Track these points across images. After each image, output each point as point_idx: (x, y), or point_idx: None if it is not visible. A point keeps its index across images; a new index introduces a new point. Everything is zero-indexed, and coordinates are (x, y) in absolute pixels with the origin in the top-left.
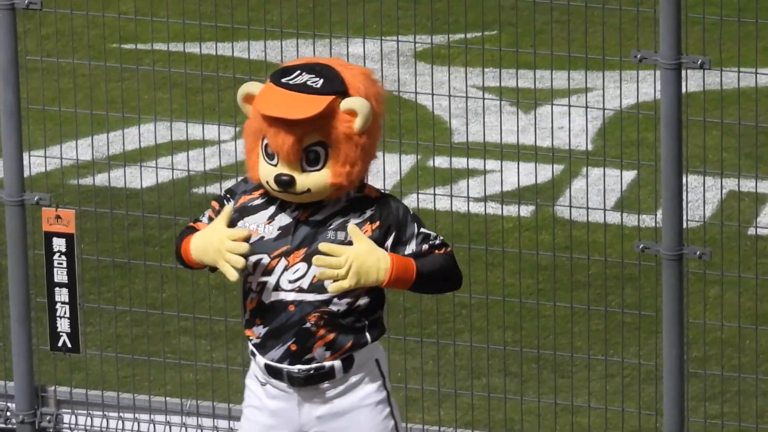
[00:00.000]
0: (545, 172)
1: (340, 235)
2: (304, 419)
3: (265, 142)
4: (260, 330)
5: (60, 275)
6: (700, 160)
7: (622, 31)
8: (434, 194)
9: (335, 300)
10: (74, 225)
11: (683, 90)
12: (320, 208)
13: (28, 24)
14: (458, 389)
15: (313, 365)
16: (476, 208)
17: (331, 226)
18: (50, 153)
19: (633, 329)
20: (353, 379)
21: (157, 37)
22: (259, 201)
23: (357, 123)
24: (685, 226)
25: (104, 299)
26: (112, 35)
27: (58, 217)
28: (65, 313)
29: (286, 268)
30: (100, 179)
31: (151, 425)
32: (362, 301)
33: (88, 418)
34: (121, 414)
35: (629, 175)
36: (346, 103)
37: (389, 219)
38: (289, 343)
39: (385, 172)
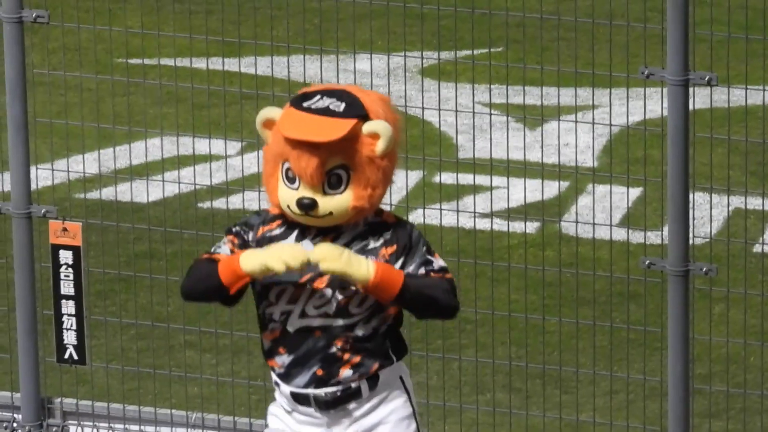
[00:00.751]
0: (551, 189)
1: None
2: None
3: (286, 166)
4: (284, 359)
5: (66, 287)
6: (706, 177)
7: (628, 48)
8: (440, 210)
9: (360, 324)
10: (81, 237)
11: (690, 107)
12: (340, 234)
13: (35, 38)
14: (463, 404)
15: (340, 387)
16: (482, 224)
17: (353, 251)
18: (57, 166)
19: (638, 345)
20: (379, 396)
21: (164, 52)
22: (278, 231)
23: (380, 146)
24: (691, 242)
25: (109, 312)
26: (119, 50)
27: (64, 229)
28: (72, 325)
29: (311, 295)
30: (107, 193)
31: None
32: (386, 325)
33: (94, 430)
34: (126, 426)
35: (635, 192)
36: (368, 126)
37: (402, 243)
38: (315, 369)
39: (391, 187)
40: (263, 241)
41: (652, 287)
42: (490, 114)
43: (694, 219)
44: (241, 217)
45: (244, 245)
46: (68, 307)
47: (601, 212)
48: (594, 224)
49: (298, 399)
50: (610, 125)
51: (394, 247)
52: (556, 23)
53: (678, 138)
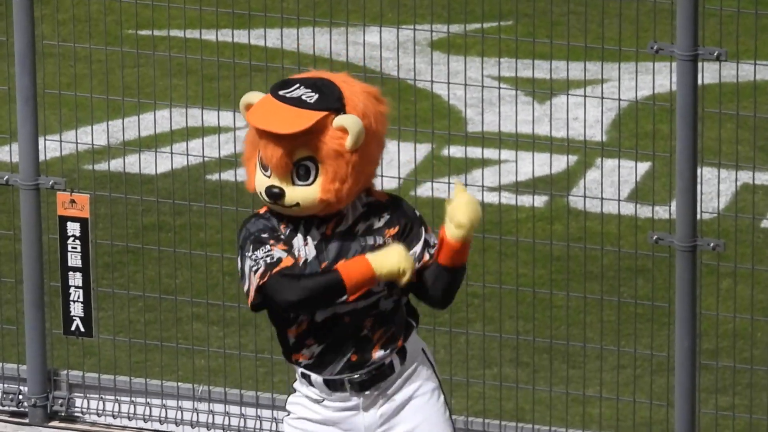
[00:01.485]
0: (559, 163)
1: (369, 240)
2: (368, 421)
3: (260, 154)
4: (314, 350)
5: (74, 259)
6: (714, 152)
7: (638, 23)
8: (449, 183)
9: (382, 300)
10: (89, 209)
11: (699, 82)
12: (342, 219)
13: (45, 9)
14: (470, 378)
15: (374, 366)
16: (490, 197)
17: (359, 233)
18: (65, 138)
19: (645, 320)
20: (408, 370)
21: (174, 23)
22: (287, 229)
23: (348, 141)
24: (699, 217)
25: (117, 284)
26: (129, 21)
27: (72, 201)
28: (79, 297)
29: None
30: (115, 165)
31: (163, 410)
32: (404, 296)
33: (100, 402)
34: (133, 398)
35: (643, 167)
36: (338, 120)
37: (402, 224)
38: (349, 354)
39: (400, 161)
40: (288, 239)
41: (659, 262)
42: (499, 87)
43: (702, 194)
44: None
45: (289, 245)
46: (75, 279)
47: (610, 187)
48: (602, 199)
49: (332, 386)
50: (619, 100)
51: (396, 228)
52: None
53: (687, 113)
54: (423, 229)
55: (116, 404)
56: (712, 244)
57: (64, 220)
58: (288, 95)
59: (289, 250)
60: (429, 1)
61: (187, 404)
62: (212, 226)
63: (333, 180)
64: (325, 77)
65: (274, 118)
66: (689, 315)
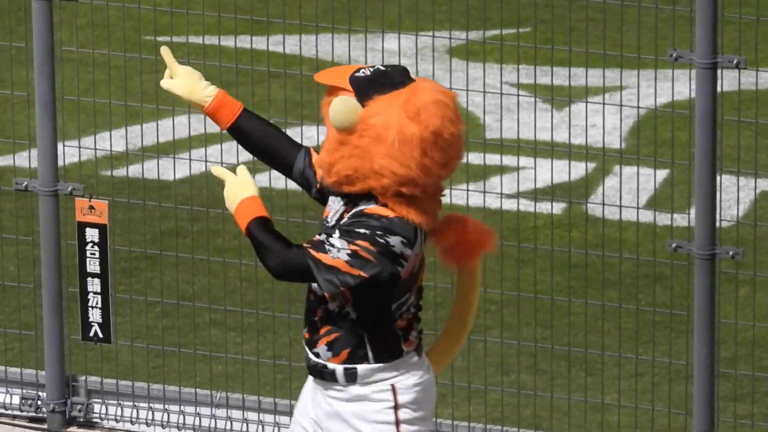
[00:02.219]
0: (578, 170)
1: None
2: (315, 410)
3: None
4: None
5: (92, 265)
6: (733, 160)
7: (657, 30)
8: (467, 190)
9: (330, 300)
10: (107, 215)
11: (718, 89)
12: (342, 196)
13: (64, 14)
14: (488, 385)
15: (320, 361)
16: (508, 204)
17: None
18: (84, 144)
19: (663, 328)
20: (359, 391)
21: (192, 29)
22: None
23: (329, 115)
24: (717, 225)
25: (135, 290)
26: (147, 27)
27: (91, 207)
28: (97, 303)
29: None
30: (133, 170)
31: (181, 416)
32: (349, 310)
33: (119, 408)
34: (151, 404)
35: (662, 174)
36: (330, 98)
37: (351, 214)
38: (305, 329)
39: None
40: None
41: (678, 270)
42: (518, 94)
43: (720, 202)
44: (267, 195)
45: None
46: (94, 284)
47: (628, 194)
48: (620, 206)
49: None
50: (638, 107)
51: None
52: (584, 3)
53: (705, 120)
54: (337, 231)
55: (134, 410)
56: (730, 252)
57: (82, 226)
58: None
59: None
60: (447, 7)
61: (205, 410)
62: (230, 232)
63: (323, 147)
64: (420, 81)
65: (330, 72)
66: (708, 323)
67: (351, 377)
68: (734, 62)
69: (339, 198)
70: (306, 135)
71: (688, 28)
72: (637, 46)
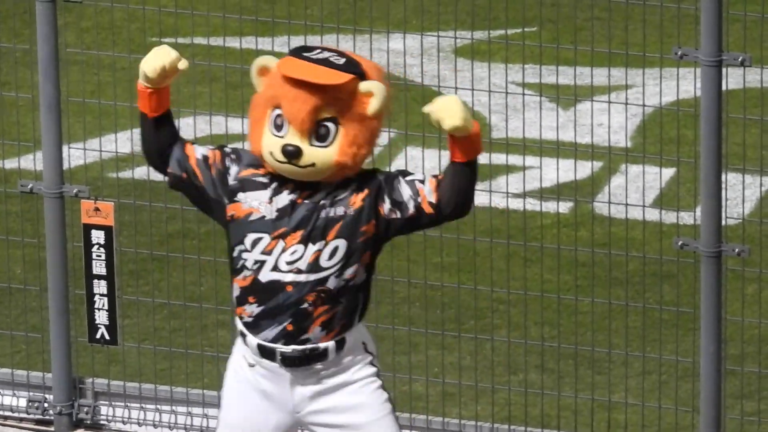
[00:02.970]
0: (584, 169)
1: (331, 212)
2: (297, 399)
3: (276, 112)
4: (254, 309)
5: (99, 267)
6: (739, 157)
7: (662, 28)
8: (473, 190)
9: (332, 277)
10: (113, 217)
11: (723, 87)
12: (317, 191)
13: (69, 17)
14: (495, 385)
15: (308, 346)
16: (515, 204)
17: (324, 205)
18: (89, 146)
19: (671, 326)
20: (344, 360)
21: (197, 31)
22: (262, 179)
23: (372, 104)
24: (724, 223)
25: (142, 292)
26: (152, 29)
27: (97, 209)
28: (104, 305)
29: (283, 250)
30: (139, 172)
31: (189, 418)
32: (357, 277)
33: (126, 410)
34: (158, 406)
35: (668, 173)
36: (365, 85)
37: (374, 184)
38: (285, 324)
39: (424, 167)
40: (246, 184)
41: (684, 268)
42: (524, 94)
43: (727, 199)
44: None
45: (223, 171)
46: (100, 286)
47: (635, 192)
48: (627, 204)
49: (264, 352)
50: (644, 105)
51: (366, 191)
52: (590, 3)
53: (711, 118)
54: (400, 178)
55: (142, 412)
56: (737, 250)
57: (88, 228)
58: (314, 57)
59: (216, 166)
60: (453, 7)
61: (213, 412)
62: None
63: (352, 143)
64: (337, 48)
65: (309, 71)
66: (714, 320)
67: (340, 348)
68: (739, 60)
69: (284, 190)
70: None
71: (694, 26)
72: (642, 45)
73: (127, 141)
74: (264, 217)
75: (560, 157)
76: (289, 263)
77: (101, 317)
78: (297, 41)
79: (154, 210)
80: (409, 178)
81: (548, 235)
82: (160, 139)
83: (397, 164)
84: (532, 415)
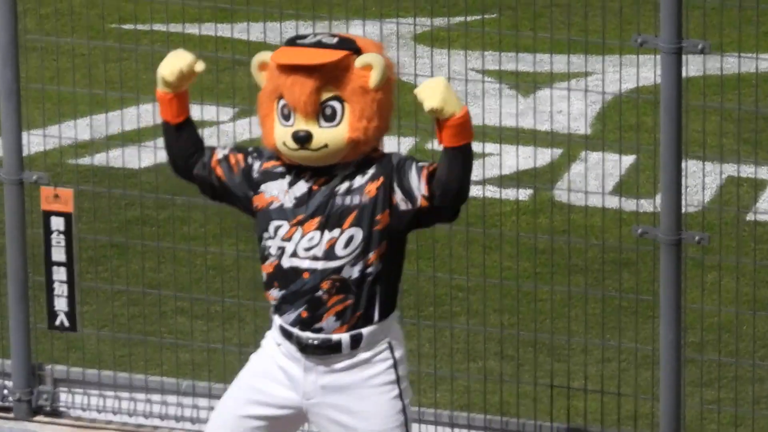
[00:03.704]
0: (544, 156)
1: (347, 200)
2: (309, 387)
3: (282, 103)
4: (277, 293)
5: (58, 254)
6: (699, 145)
7: (622, 15)
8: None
9: (347, 266)
10: (72, 204)
11: (683, 74)
12: (332, 177)
13: (28, 3)
14: (454, 372)
15: (321, 336)
16: (474, 191)
17: (339, 192)
18: (49, 132)
19: (630, 314)
20: (362, 356)
21: (156, 17)
22: (280, 169)
23: (373, 76)
24: (683, 211)
25: (101, 279)
26: (111, 15)
27: (56, 196)
28: (63, 292)
29: (302, 236)
30: (99, 159)
31: (148, 404)
32: (373, 268)
33: (85, 397)
34: (117, 393)
35: (628, 160)
36: (361, 59)
37: (387, 171)
38: (300, 310)
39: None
40: (267, 176)
41: (644, 255)
42: (483, 81)
43: (686, 187)
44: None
45: (247, 169)
46: (59, 273)
47: (594, 180)
48: (586, 192)
49: (285, 334)
50: (603, 93)
51: (381, 179)
52: None
53: (671, 106)
54: (413, 167)
55: (101, 399)
56: (697, 238)
57: (47, 215)
58: (306, 42)
59: (241, 165)
60: None
61: (171, 399)
62: (196, 220)
63: (360, 118)
64: (334, 32)
65: (302, 55)
66: (674, 308)
67: (356, 343)
68: (699, 47)
69: (301, 179)
70: None
71: (653, 13)
72: (602, 32)
73: (86, 127)
74: (283, 205)
75: (520, 144)
76: (306, 249)
77: (60, 304)
78: (256, 28)
79: (113, 197)
80: (420, 164)
81: (508, 222)
82: (185, 144)
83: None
84: (491, 402)
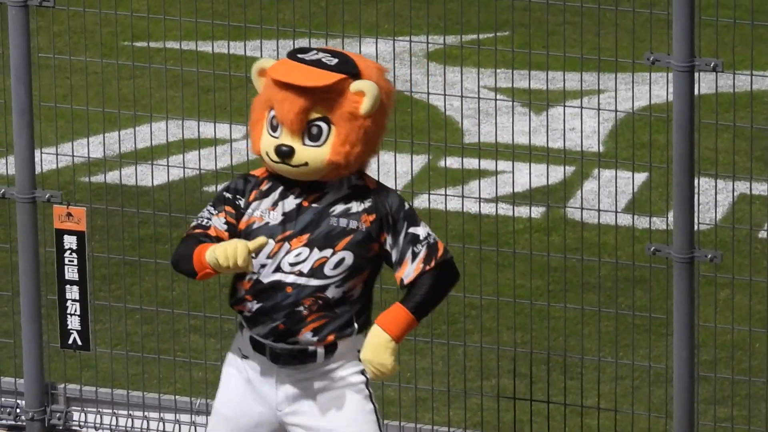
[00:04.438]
0: (556, 174)
1: (342, 222)
2: (280, 398)
3: (272, 113)
4: (253, 305)
5: (71, 273)
6: (711, 162)
7: (634, 33)
8: (445, 195)
9: (333, 287)
10: (85, 222)
11: (695, 92)
12: (323, 195)
13: (41, 21)
14: (468, 390)
15: (297, 347)
16: (487, 209)
17: (334, 213)
18: (62, 150)
19: (643, 331)
20: (333, 365)
21: (170, 35)
22: (266, 187)
23: (364, 104)
24: (696, 228)
25: (114, 297)
26: (125, 33)
27: (69, 214)
28: (76, 310)
29: (288, 252)
30: (111, 177)
31: (161, 423)
32: (356, 291)
33: (98, 416)
34: (130, 412)
35: (640, 177)
36: (355, 85)
37: (381, 212)
38: (278, 322)
39: (397, 172)
40: (254, 200)
41: (657, 273)
42: (496, 99)
43: (699, 205)
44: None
45: (238, 215)
46: (72, 292)
47: (607, 197)
48: (599, 210)
49: (255, 346)
50: (616, 110)
51: (374, 216)
52: (562, 7)
53: (683, 123)
54: (406, 224)
55: (114, 417)
56: (709, 255)
57: (60, 234)
58: (308, 58)
59: (235, 216)
60: (425, 11)
61: (185, 417)
62: None
63: (344, 142)
64: (338, 50)
65: (297, 73)
66: (687, 326)
67: (330, 354)
68: (711, 65)
69: (290, 195)
70: None
71: (666, 31)
72: (614, 50)
73: (99, 145)
74: (268, 223)
75: (532, 162)
76: (292, 264)
77: (73, 322)
78: (269, 45)
79: (126, 215)
80: (411, 230)
81: (520, 240)
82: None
83: (369, 169)
84: (504, 420)
